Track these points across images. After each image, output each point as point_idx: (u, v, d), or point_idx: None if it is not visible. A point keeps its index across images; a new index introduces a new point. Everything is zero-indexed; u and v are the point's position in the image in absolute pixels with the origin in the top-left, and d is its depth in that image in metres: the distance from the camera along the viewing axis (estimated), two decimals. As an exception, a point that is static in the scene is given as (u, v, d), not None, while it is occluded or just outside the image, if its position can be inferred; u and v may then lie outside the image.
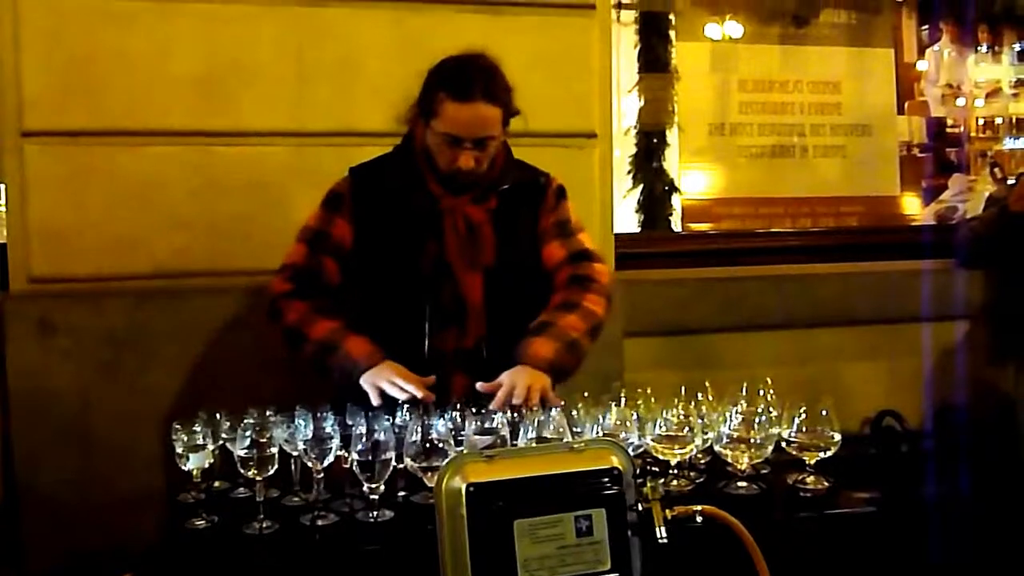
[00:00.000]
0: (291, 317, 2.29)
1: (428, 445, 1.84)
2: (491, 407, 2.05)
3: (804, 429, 2.00)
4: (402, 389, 2.12)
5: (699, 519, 1.47)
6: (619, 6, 3.74)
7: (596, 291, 2.34)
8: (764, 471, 2.07)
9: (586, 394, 2.13)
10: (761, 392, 2.07)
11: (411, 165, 2.36)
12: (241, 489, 2.03)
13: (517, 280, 2.35)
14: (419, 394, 2.10)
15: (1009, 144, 4.47)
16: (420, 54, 3.14)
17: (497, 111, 2.25)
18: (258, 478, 1.86)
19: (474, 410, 2.02)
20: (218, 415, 2.01)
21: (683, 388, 2.11)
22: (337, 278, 2.37)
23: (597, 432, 1.97)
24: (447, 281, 2.31)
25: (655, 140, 3.92)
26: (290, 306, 2.31)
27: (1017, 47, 4.45)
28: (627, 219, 3.85)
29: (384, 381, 2.14)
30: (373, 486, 1.82)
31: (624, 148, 3.87)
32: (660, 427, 1.97)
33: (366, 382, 2.16)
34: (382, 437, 1.82)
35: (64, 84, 2.88)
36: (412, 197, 2.33)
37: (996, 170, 4.39)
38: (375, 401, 2.12)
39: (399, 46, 3.14)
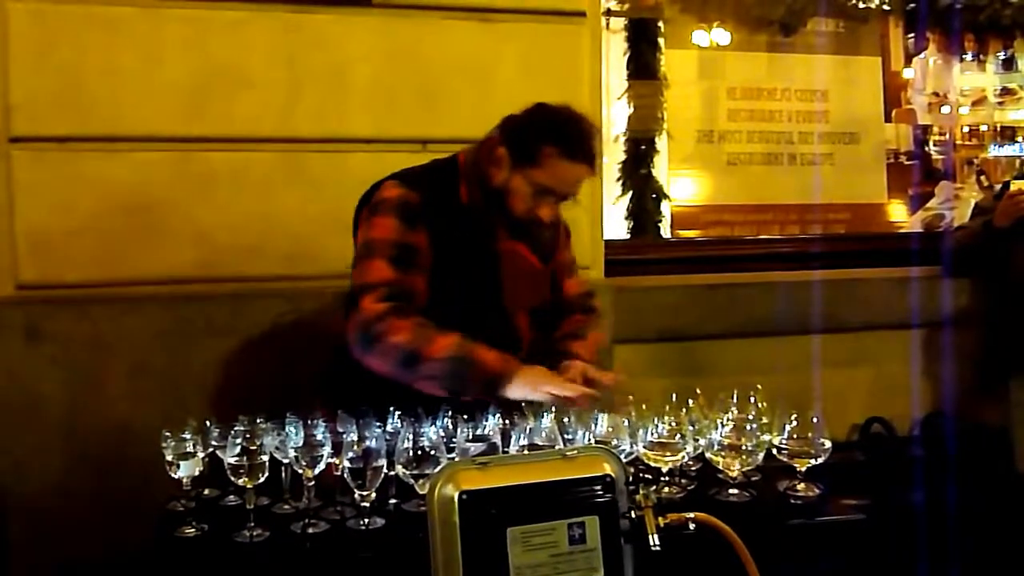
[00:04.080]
0: (400, 338, 2.12)
1: (419, 452, 1.84)
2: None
3: (795, 436, 2.00)
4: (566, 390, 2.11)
5: (692, 526, 1.47)
6: (609, 13, 3.75)
7: (599, 322, 2.62)
8: (755, 478, 2.07)
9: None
10: (752, 399, 2.07)
11: (483, 198, 2.31)
12: (231, 497, 2.02)
13: (549, 314, 2.49)
14: (575, 396, 2.10)
15: (994, 152, 4.50)
16: (410, 62, 3.17)
17: (591, 172, 2.30)
18: (248, 486, 1.85)
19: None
20: (208, 422, 2.00)
21: (673, 395, 2.11)
22: (425, 294, 2.25)
23: (589, 439, 1.97)
24: (501, 319, 2.34)
25: (644, 147, 3.93)
26: (393, 326, 2.13)
27: (1001, 56, 4.49)
28: (616, 226, 3.86)
29: (549, 386, 2.11)
30: (364, 494, 1.82)
31: (613, 155, 3.88)
32: (652, 434, 1.97)
33: (525, 390, 2.11)
34: (373, 444, 1.82)
35: (52, 90, 2.86)
36: (476, 232, 2.30)
37: (982, 178, 4.42)
38: (545, 399, 2.09)
39: (389, 53, 3.14)
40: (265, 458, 1.87)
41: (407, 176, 2.35)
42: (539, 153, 2.23)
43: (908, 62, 4.40)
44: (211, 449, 1.97)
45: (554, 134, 2.24)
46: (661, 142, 3.95)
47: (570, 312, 2.54)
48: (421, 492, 1.80)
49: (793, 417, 2.01)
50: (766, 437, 2.00)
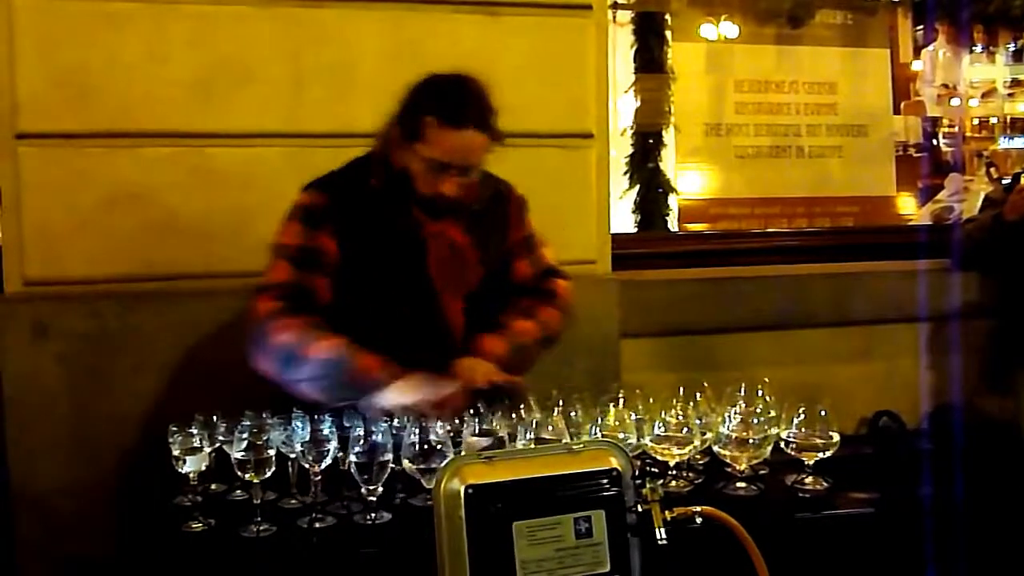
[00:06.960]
0: (283, 337, 2.09)
1: (426, 447, 1.84)
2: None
3: (803, 430, 1.99)
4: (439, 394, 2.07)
5: (698, 520, 1.47)
6: (615, 6, 3.74)
7: (555, 305, 2.40)
8: (762, 472, 2.06)
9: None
10: (760, 392, 2.07)
11: (391, 184, 2.24)
12: (238, 492, 2.02)
13: (492, 299, 2.35)
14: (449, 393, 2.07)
15: (1004, 144, 4.48)
16: (416, 56, 3.16)
17: (486, 138, 2.18)
18: (255, 480, 1.85)
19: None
20: (214, 417, 2.00)
21: (681, 388, 2.10)
22: (328, 296, 2.21)
23: (595, 433, 1.96)
24: (430, 307, 2.26)
25: (651, 140, 3.93)
26: (280, 325, 2.11)
27: (1011, 47, 4.47)
28: (624, 219, 3.85)
29: (417, 396, 2.06)
30: (371, 488, 1.82)
31: (620, 148, 3.87)
32: (659, 428, 1.96)
33: (396, 399, 2.06)
34: (380, 439, 1.82)
35: (58, 86, 2.86)
36: (394, 219, 2.24)
37: (992, 170, 4.40)
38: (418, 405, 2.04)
39: (395, 48, 3.13)
40: (272, 453, 1.87)
41: (321, 179, 2.32)
42: (421, 126, 2.15)
43: (917, 54, 4.38)
44: (218, 444, 1.98)
45: (431, 103, 2.16)
46: (668, 135, 3.94)
47: (519, 296, 2.39)
48: (428, 487, 1.79)
49: (801, 410, 2.00)
50: (774, 431, 2.00)
